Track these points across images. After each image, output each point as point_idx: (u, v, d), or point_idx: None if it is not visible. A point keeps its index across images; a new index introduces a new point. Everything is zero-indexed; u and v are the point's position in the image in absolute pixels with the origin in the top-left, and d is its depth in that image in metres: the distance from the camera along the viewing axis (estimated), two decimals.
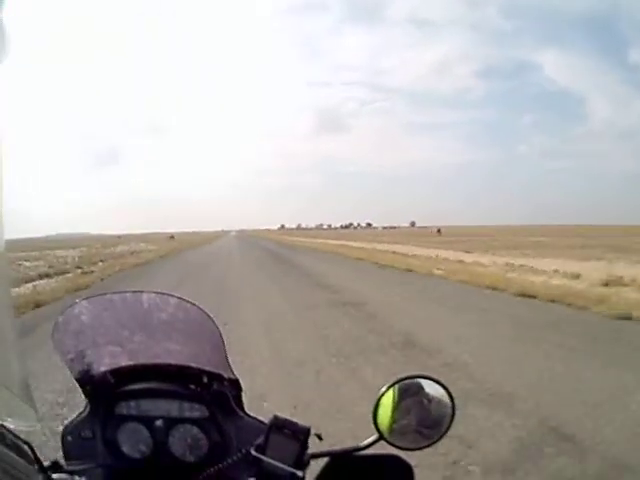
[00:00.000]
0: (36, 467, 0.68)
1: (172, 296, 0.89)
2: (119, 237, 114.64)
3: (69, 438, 0.94)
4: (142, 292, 0.90)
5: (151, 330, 0.93)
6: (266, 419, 0.88)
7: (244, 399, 0.95)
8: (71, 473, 0.81)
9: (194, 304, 0.88)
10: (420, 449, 0.86)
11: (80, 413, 0.96)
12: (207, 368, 0.91)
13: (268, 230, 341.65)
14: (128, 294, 0.92)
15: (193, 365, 0.92)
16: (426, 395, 0.86)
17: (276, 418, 0.85)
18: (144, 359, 0.93)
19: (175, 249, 35.58)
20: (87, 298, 0.91)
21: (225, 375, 0.91)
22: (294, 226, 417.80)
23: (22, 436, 0.66)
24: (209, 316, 0.88)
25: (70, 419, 0.96)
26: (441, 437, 0.85)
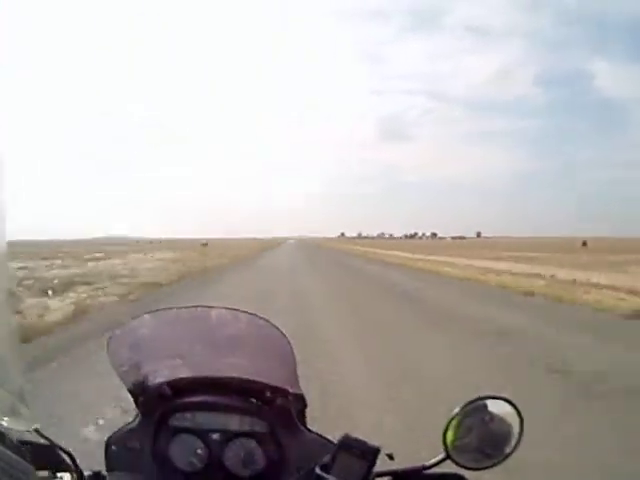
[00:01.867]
0: (75, 477, 0.69)
1: (243, 312, 0.89)
2: (151, 242, 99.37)
3: (114, 448, 0.92)
4: (211, 307, 0.90)
5: (216, 344, 0.93)
6: (332, 437, 0.86)
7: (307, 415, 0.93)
8: None
9: (267, 320, 0.88)
10: (485, 469, 0.83)
11: (128, 424, 0.94)
12: (272, 383, 0.89)
13: (326, 238, 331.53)
14: (197, 309, 0.91)
15: (257, 379, 0.90)
16: (491, 414, 0.85)
17: (346, 437, 0.81)
18: (206, 372, 0.92)
19: (183, 274, 17.15)
20: (150, 312, 0.91)
21: (290, 390, 0.89)
22: (354, 234, 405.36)
23: (17, 437, 0.66)
24: (282, 332, 0.87)
25: (116, 429, 0.94)
26: (507, 457, 0.82)
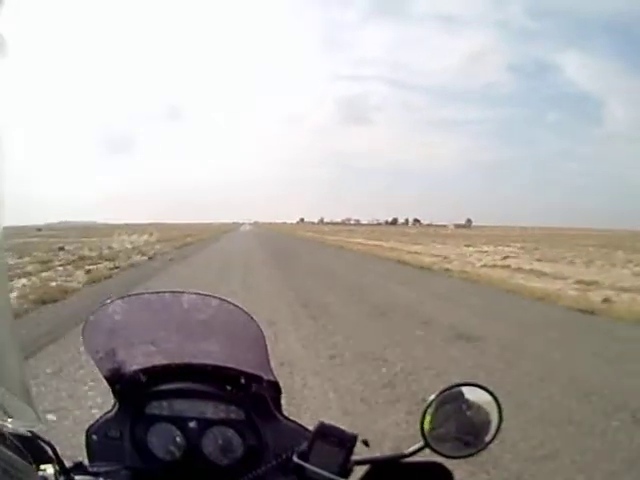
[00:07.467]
0: (57, 468, 0.71)
1: (214, 297, 0.90)
2: (39, 230, 69.61)
3: (94, 437, 0.94)
4: (182, 292, 0.91)
5: (189, 331, 0.94)
6: (308, 424, 0.89)
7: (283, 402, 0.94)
8: (95, 475, 0.80)
9: (237, 306, 0.89)
10: (464, 457, 0.86)
11: (107, 412, 0.96)
12: (246, 369, 0.92)
13: (285, 224, 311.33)
14: (167, 294, 0.92)
15: (231, 366, 0.92)
16: (468, 402, 0.86)
17: (322, 425, 0.84)
18: (179, 359, 0.93)
19: None
20: (122, 297, 0.92)
21: (264, 377, 0.91)
22: (315, 220, 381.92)
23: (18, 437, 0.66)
24: (252, 318, 0.89)
25: (96, 418, 0.95)
26: (486, 445, 0.84)
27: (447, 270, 15.86)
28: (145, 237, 42.89)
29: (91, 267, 15.17)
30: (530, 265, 17.65)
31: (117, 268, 14.65)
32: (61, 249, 25.29)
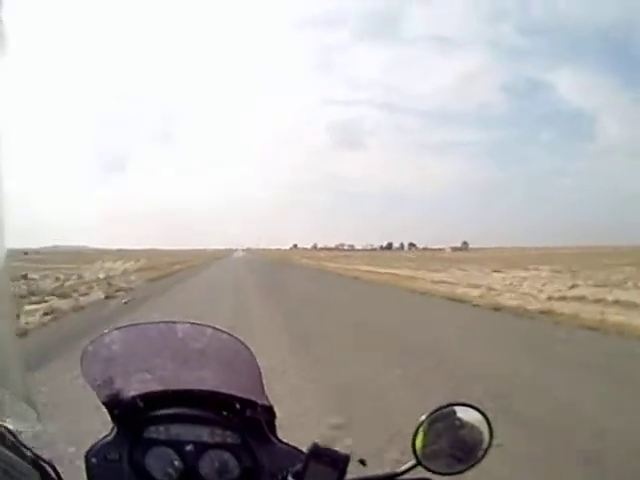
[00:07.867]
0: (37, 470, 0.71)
1: (208, 326, 0.94)
2: (25, 254, 66.57)
3: (94, 460, 0.95)
4: (176, 322, 0.95)
5: (184, 358, 0.97)
6: (302, 447, 0.91)
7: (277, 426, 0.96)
8: None
9: (230, 335, 0.93)
10: (455, 474, 0.88)
11: (106, 436, 0.98)
12: (241, 395, 0.94)
13: (278, 250, 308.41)
14: (162, 324, 0.96)
15: (226, 392, 0.94)
16: (460, 421, 0.88)
17: (316, 446, 0.86)
18: (175, 385, 0.96)
19: None
20: (119, 328, 0.95)
21: (259, 402, 0.94)
22: (308, 246, 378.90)
23: (22, 438, 0.68)
24: (246, 345, 0.92)
25: (95, 441, 0.97)
26: (477, 462, 0.87)
27: (523, 309, 11.83)
28: (130, 264, 39.30)
29: (28, 307, 11.03)
30: (600, 294, 13.74)
31: (47, 315, 10.33)
32: (24, 277, 21.50)
